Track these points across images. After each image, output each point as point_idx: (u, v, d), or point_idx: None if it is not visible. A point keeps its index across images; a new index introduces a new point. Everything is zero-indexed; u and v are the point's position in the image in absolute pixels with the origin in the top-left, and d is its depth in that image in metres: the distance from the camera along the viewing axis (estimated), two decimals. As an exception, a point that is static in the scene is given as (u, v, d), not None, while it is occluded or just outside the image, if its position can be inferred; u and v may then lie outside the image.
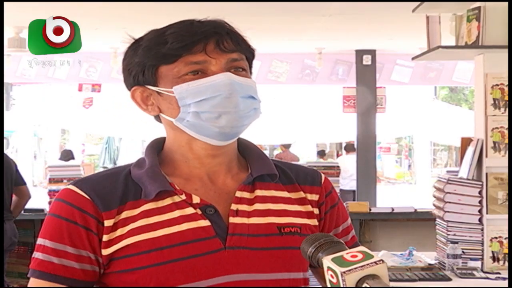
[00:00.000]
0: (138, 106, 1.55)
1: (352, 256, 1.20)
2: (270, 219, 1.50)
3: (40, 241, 1.47)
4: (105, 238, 1.44)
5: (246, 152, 1.59)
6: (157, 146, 1.57)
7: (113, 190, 1.47)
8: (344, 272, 1.17)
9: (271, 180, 1.55)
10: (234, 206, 1.49)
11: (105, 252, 1.44)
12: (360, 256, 1.20)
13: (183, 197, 1.47)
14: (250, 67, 1.56)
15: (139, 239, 1.43)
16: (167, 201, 1.47)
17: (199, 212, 1.46)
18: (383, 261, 1.19)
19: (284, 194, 1.55)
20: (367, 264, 1.18)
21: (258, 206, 1.51)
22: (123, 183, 1.49)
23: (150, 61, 1.48)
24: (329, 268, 1.21)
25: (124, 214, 1.45)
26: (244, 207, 1.50)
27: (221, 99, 1.45)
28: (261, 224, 1.49)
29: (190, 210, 1.46)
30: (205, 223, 1.45)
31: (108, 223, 1.44)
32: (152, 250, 1.42)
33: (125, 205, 1.46)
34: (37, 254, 1.46)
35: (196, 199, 1.47)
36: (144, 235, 1.43)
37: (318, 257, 1.27)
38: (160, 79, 1.49)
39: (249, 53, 1.54)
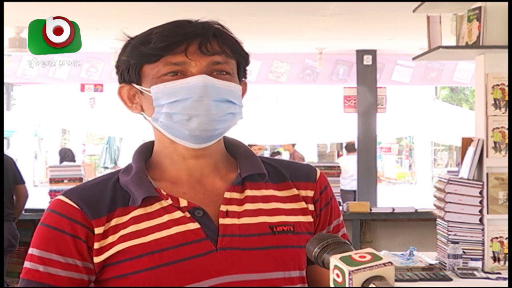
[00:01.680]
0: (123, 104, 1.55)
1: (360, 257, 1.20)
2: (261, 218, 1.49)
3: (30, 250, 1.48)
4: (96, 245, 1.44)
5: (235, 152, 1.58)
6: (146, 151, 1.57)
7: (102, 197, 1.47)
8: (352, 271, 1.17)
9: (261, 179, 1.54)
10: (223, 207, 1.48)
11: (97, 259, 1.44)
12: (368, 257, 1.20)
13: (170, 201, 1.47)
14: (242, 71, 1.53)
15: (130, 245, 1.43)
16: (155, 206, 1.46)
17: (188, 215, 1.46)
18: (391, 263, 1.19)
19: (275, 192, 1.54)
20: (376, 265, 1.18)
21: (248, 206, 1.50)
22: (111, 190, 1.49)
23: (134, 60, 1.48)
24: (336, 267, 1.20)
25: (114, 221, 1.45)
26: (234, 208, 1.49)
27: (192, 101, 1.44)
28: (252, 224, 1.48)
29: (178, 214, 1.46)
30: (194, 225, 1.45)
31: (98, 230, 1.44)
32: (143, 255, 1.42)
33: (114, 212, 1.46)
34: (25, 263, 1.48)
35: (183, 203, 1.47)
36: (134, 240, 1.43)
37: (323, 257, 1.27)
38: (143, 78, 1.49)
39: (240, 57, 1.51)
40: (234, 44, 1.50)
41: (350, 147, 12.56)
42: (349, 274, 1.17)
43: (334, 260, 1.21)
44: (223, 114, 1.46)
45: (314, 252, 1.29)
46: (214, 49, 1.46)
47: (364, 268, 1.18)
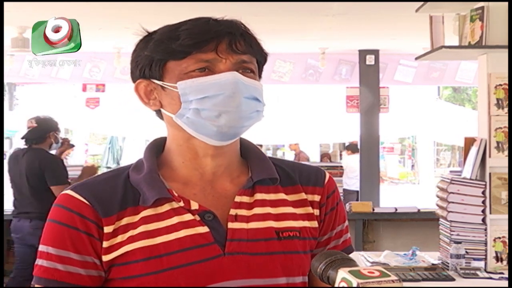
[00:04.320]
0: (140, 100, 1.53)
1: (369, 272, 1.22)
2: (268, 223, 1.48)
3: (42, 248, 1.46)
4: (105, 244, 1.43)
5: (247, 154, 1.57)
6: (157, 148, 1.55)
7: (112, 195, 1.46)
8: (361, 283, 1.19)
9: (271, 183, 1.53)
10: (233, 211, 1.47)
11: (105, 258, 1.43)
12: (377, 273, 1.22)
13: (181, 203, 1.46)
14: (261, 71, 1.54)
15: (138, 246, 1.42)
16: (166, 207, 1.45)
17: (198, 218, 1.45)
18: (400, 280, 1.21)
19: (284, 196, 1.53)
20: (384, 281, 1.20)
21: (257, 210, 1.49)
22: (122, 187, 1.47)
23: (159, 56, 1.46)
24: (343, 280, 1.22)
25: (125, 220, 1.44)
26: (243, 212, 1.48)
27: (224, 97, 1.43)
28: (260, 229, 1.47)
29: (188, 217, 1.45)
30: (203, 229, 1.44)
31: (107, 229, 1.43)
32: (151, 257, 1.41)
33: (125, 211, 1.45)
34: (40, 261, 1.45)
35: (194, 205, 1.46)
36: (143, 242, 1.42)
37: (329, 273, 1.28)
38: (166, 74, 1.47)
39: (261, 57, 1.52)
40: (258, 44, 1.51)
41: (353, 148, 12.54)
42: (357, 285, 1.19)
43: (343, 273, 1.22)
44: (251, 112, 1.46)
45: (319, 268, 1.30)
46: (242, 48, 1.46)
47: (372, 281, 1.19)
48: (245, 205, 1.49)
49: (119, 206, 1.45)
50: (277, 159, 1.62)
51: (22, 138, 5.90)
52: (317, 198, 1.57)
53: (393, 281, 1.20)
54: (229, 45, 1.45)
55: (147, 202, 1.45)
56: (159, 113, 1.54)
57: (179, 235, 1.43)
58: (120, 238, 1.43)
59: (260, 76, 1.54)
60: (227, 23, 1.47)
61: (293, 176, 1.57)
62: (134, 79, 1.53)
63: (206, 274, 1.42)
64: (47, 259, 1.44)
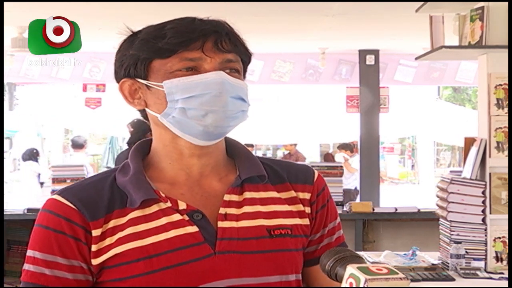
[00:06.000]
0: (124, 99, 1.53)
1: (377, 269, 1.23)
2: (259, 221, 1.48)
3: (29, 252, 1.45)
4: (93, 248, 1.42)
5: (234, 153, 1.57)
6: (143, 149, 1.55)
7: (99, 198, 1.45)
8: (369, 279, 1.20)
9: (260, 181, 1.53)
10: (222, 210, 1.47)
11: (95, 261, 1.42)
12: (385, 270, 1.23)
13: (169, 204, 1.45)
14: (245, 70, 1.54)
15: (128, 248, 1.41)
16: (154, 208, 1.45)
17: (186, 218, 1.44)
18: (407, 278, 1.22)
19: (274, 194, 1.53)
20: (392, 278, 1.21)
21: (247, 208, 1.49)
22: (108, 190, 1.47)
23: (145, 54, 1.46)
24: (351, 275, 1.23)
25: (112, 223, 1.43)
26: (232, 211, 1.47)
27: (210, 97, 1.43)
28: (250, 227, 1.47)
29: (177, 217, 1.44)
30: (192, 229, 1.43)
31: (95, 232, 1.43)
32: (140, 258, 1.41)
33: (112, 214, 1.44)
34: (27, 266, 1.45)
35: (182, 205, 1.46)
36: (132, 243, 1.41)
37: (337, 270, 1.29)
38: (151, 73, 1.47)
39: (245, 57, 1.52)
40: (242, 43, 1.51)
41: (351, 147, 12.50)
42: (365, 281, 1.20)
43: (351, 269, 1.23)
44: (237, 111, 1.46)
45: (328, 265, 1.31)
46: (228, 47, 1.47)
47: (380, 278, 1.20)
48: (235, 204, 1.48)
49: (106, 209, 1.44)
50: (266, 158, 1.62)
51: (127, 143, 6.50)
52: (307, 196, 1.56)
53: (401, 278, 1.21)
54: (215, 44, 1.45)
55: (134, 204, 1.44)
56: (143, 113, 1.53)
57: (168, 235, 1.42)
58: (108, 241, 1.42)
59: (244, 76, 1.54)
60: (213, 23, 1.48)
61: (281, 174, 1.57)
62: (118, 79, 1.53)
63: (198, 273, 1.41)
64: (33, 263, 1.44)
